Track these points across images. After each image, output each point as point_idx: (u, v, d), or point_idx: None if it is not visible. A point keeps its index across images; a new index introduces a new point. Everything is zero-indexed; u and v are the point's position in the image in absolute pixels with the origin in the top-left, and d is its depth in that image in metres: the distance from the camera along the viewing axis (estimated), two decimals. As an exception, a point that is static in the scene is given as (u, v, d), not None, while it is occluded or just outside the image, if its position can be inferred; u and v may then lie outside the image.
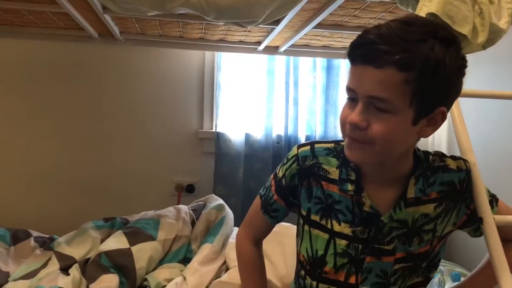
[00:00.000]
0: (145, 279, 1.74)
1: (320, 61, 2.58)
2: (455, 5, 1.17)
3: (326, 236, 1.01)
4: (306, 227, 1.04)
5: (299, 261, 1.10)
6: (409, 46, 0.79)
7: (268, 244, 1.72)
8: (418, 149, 1.00)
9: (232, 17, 1.29)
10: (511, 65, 1.95)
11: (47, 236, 2.00)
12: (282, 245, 1.75)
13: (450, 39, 0.82)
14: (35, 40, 2.24)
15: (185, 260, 1.88)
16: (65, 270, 1.72)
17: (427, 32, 0.81)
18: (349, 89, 0.87)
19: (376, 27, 0.83)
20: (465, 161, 1.03)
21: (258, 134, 2.54)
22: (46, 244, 1.91)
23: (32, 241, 1.91)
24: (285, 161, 1.08)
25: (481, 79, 2.13)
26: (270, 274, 1.62)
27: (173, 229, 1.91)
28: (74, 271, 1.68)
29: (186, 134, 2.56)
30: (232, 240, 1.90)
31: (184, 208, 2.07)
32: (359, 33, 0.85)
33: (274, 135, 2.55)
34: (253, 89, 2.54)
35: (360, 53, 0.83)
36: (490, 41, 1.26)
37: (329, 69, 2.60)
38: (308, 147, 1.05)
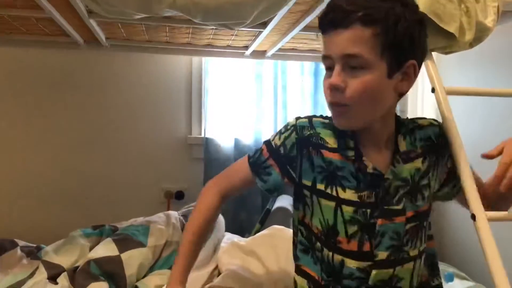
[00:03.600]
0: (136, 286, 1.71)
1: (308, 65, 2.59)
2: (442, 4, 1.17)
3: (333, 204, 1.02)
4: (315, 198, 1.05)
5: (312, 235, 1.07)
6: (370, 5, 0.89)
7: (261, 248, 1.72)
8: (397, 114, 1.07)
9: (220, 18, 1.28)
10: (497, 64, 1.97)
11: (34, 245, 1.96)
12: (275, 248, 1.73)
13: (406, 1, 0.93)
14: (19, 47, 2.21)
15: (176, 267, 1.85)
16: (53, 279, 1.68)
17: None
18: (325, 58, 0.95)
19: None
20: (435, 120, 1.11)
21: (247, 139, 2.53)
22: (33, 253, 1.87)
23: (18, 251, 1.87)
24: (282, 129, 1.09)
25: (468, 79, 2.15)
26: (264, 279, 1.61)
27: (163, 235, 1.88)
28: (63, 279, 1.65)
29: (175, 140, 2.55)
30: (224, 244, 1.88)
31: (174, 214, 2.05)
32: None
33: (263, 139, 2.53)
34: (241, 93, 2.53)
35: (329, 19, 0.92)
36: (477, 39, 1.27)
37: (316, 73, 2.60)
38: (306, 119, 1.08)
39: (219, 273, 1.74)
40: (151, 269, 1.81)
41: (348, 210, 1.00)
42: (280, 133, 1.10)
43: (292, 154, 1.06)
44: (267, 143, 1.11)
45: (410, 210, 1.01)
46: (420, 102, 2.56)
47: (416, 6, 0.96)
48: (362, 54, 0.88)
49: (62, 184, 2.43)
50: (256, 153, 1.13)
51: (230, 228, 2.23)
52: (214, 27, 1.72)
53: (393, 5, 0.89)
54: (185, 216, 2.05)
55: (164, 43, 2.14)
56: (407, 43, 0.91)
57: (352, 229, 1.00)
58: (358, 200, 1.00)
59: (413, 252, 1.02)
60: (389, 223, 0.99)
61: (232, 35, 1.95)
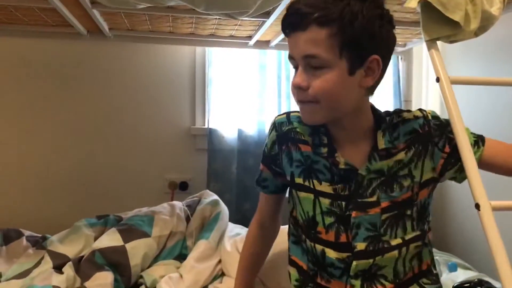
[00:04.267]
0: (141, 276, 1.72)
1: (312, 55, 2.57)
2: (447, -8, 1.16)
3: (311, 196, 1.05)
4: (294, 192, 1.10)
5: (298, 227, 1.12)
6: (326, 5, 0.89)
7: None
8: (378, 110, 1.07)
9: (223, 7, 1.27)
10: (503, 53, 1.95)
11: (40, 235, 1.97)
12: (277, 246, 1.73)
13: None
14: (22, 38, 2.21)
15: (181, 257, 1.86)
16: (58, 268, 1.70)
17: None
18: (289, 58, 0.98)
19: None
20: (420, 110, 1.10)
21: (251, 130, 2.53)
22: (38, 243, 1.88)
23: (24, 241, 1.88)
24: (268, 132, 1.15)
25: (473, 68, 2.14)
26: (266, 278, 1.61)
27: (168, 225, 1.89)
28: (68, 269, 1.66)
29: (178, 131, 2.55)
30: (227, 239, 1.88)
31: (178, 204, 2.06)
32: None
33: (267, 130, 2.53)
34: (245, 84, 2.53)
35: (289, 23, 0.94)
36: (482, 28, 1.26)
37: (320, 63, 2.58)
38: (284, 115, 1.13)
39: (222, 270, 1.76)
40: (156, 259, 1.82)
41: (325, 202, 1.03)
42: (267, 137, 1.15)
43: (274, 152, 1.12)
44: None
45: (385, 200, 1.01)
46: (424, 92, 2.55)
47: (378, 1, 0.95)
48: (320, 54, 0.90)
49: (67, 174, 2.44)
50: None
51: (233, 218, 2.24)
52: (218, 17, 1.71)
53: (349, 3, 0.89)
54: (189, 206, 2.06)
55: (167, 33, 2.13)
56: (366, 39, 0.91)
57: (329, 220, 1.03)
58: (333, 193, 1.03)
59: (395, 241, 1.03)
60: (364, 215, 1.01)
61: (236, 25, 1.94)
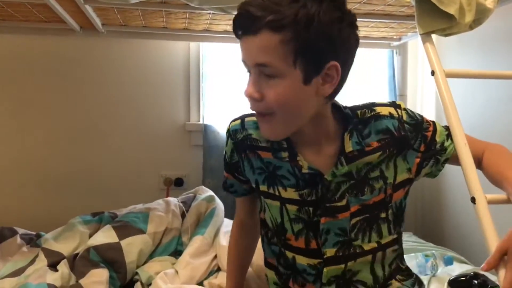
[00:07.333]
0: (136, 273, 1.71)
1: (306, 50, 2.56)
2: (442, -15, 1.16)
3: (278, 203, 1.00)
4: (262, 198, 1.05)
5: (269, 230, 1.08)
6: (280, 8, 0.80)
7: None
8: (345, 107, 1.00)
9: (216, 2, 1.26)
10: (498, 47, 1.95)
11: (34, 233, 1.96)
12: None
13: None
14: (14, 34, 2.19)
15: (176, 253, 1.85)
16: (53, 266, 1.68)
17: None
18: (243, 62, 0.90)
19: None
20: (395, 107, 1.01)
21: (246, 125, 2.51)
22: (33, 241, 1.87)
23: (18, 239, 1.87)
24: (225, 138, 1.09)
25: (468, 62, 2.14)
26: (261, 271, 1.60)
27: (163, 222, 1.88)
28: (63, 267, 1.65)
29: (173, 127, 2.53)
30: (223, 235, 1.88)
31: (173, 200, 2.05)
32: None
33: (262, 125, 2.52)
34: (239, 79, 2.51)
35: (239, 25, 0.86)
36: (477, 21, 1.26)
37: (315, 58, 2.58)
38: (238, 121, 1.06)
39: (218, 265, 1.75)
40: (151, 256, 1.81)
41: (292, 208, 0.98)
42: (225, 144, 1.10)
43: (234, 160, 1.06)
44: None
45: (355, 204, 0.96)
46: (420, 86, 2.55)
47: (337, 1, 0.84)
48: (272, 63, 0.82)
49: (61, 171, 2.43)
50: None
51: (229, 214, 2.23)
52: (211, 12, 1.70)
53: (305, 5, 0.80)
54: (185, 202, 2.05)
55: (161, 28, 2.12)
56: (323, 45, 0.82)
57: (297, 227, 0.99)
58: (300, 199, 0.97)
59: (369, 246, 0.99)
60: (333, 221, 0.96)
61: (230, 19, 1.93)
